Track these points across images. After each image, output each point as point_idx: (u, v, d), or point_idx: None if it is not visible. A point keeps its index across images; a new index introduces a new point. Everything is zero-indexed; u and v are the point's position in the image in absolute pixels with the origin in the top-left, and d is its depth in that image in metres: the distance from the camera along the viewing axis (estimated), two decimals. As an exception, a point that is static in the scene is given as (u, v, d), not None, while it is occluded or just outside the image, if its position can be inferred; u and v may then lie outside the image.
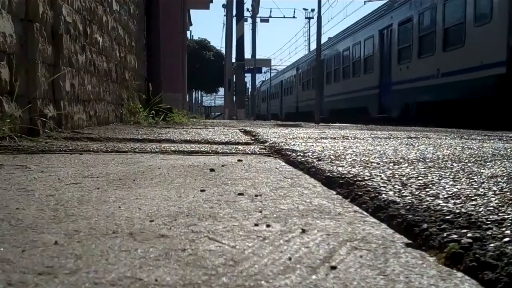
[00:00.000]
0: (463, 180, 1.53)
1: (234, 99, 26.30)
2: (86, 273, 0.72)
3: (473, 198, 1.22)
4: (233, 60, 25.62)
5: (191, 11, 22.59)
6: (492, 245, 0.84)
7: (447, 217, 1.03)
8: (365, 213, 1.18)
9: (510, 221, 0.97)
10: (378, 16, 17.23)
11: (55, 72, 3.65)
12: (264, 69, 41.57)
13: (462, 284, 0.73)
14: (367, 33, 18.15)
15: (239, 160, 2.29)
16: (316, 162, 2.03)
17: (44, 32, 3.42)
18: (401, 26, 15.05)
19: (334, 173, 1.67)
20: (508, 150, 2.79)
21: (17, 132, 2.97)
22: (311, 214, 1.15)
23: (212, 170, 1.90)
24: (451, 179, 1.54)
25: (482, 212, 1.05)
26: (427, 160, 2.14)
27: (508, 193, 1.27)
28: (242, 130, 5.59)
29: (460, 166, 1.92)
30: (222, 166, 2.06)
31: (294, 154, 2.43)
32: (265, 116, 43.64)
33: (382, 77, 16.54)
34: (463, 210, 1.08)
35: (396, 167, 1.87)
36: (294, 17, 53.37)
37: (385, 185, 1.43)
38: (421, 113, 13.44)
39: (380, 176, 1.61)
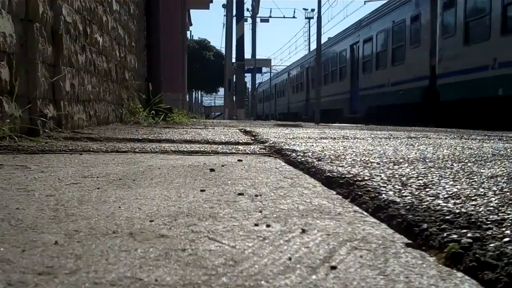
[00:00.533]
0: (463, 180, 1.53)
1: (234, 99, 26.31)
2: (86, 273, 0.72)
3: (473, 198, 1.23)
4: (233, 60, 25.63)
5: (191, 11, 22.58)
6: (492, 245, 0.84)
7: (447, 217, 1.03)
8: (365, 213, 1.18)
9: (510, 221, 0.97)
10: (349, 33, 21.26)
11: (55, 72, 3.65)
12: (264, 69, 41.59)
13: (462, 284, 0.73)
14: (341, 47, 22.39)
15: (239, 160, 2.29)
16: (316, 162, 2.03)
17: (44, 32, 3.42)
18: (365, 43, 19.01)
19: (334, 173, 1.67)
20: (508, 150, 2.79)
21: (17, 132, 2.97)
22: (311, 214, 1.15)
23: (212, 170, 1.90)
24: (451, 179, 1.54)
25: (482, 212, 1.05)
26: (427, 160, 2.14)
27: (508, 193, 1.27)
28: (242, 130, 5.59)
29: (460, 166, 1.92)
30: (222, 166, 2.06)
31: (294, 154, 2.43)
32: (262, 116, 44.51)
33: (352, 83, 20.67)
34: (463, 210, 1.08)
35: (396, 167, 1.87)
36: (294, 17, 53.37)
37: (385, 185, 1.43)
38: (379, 114, 16.92)
39: (380, 176, 1.61)
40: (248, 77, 34.25)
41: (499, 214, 1.04)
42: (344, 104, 21.47)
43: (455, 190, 1.34)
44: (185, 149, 2.80)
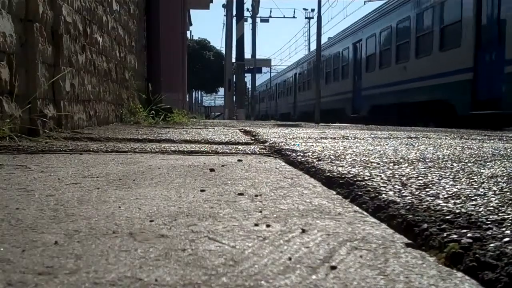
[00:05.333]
0: (463, 180, 1.53)
1: (234, 99, 26.30)
2: (86, 273, 0.72)
3: (473, 198, 1.22)
4: (233, 60, 25.62)
5: (191, 11, 22.60)
6: (492, 245, 0.84)
7: (447, 217, 1.03)
8: (365, 213, 1.18)
9: (510, 221, 0.97)
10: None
11: (55, 72, 3.65)
12: (264, 69, 41.56)
13: (462, 284, 0.73)
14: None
15: (239, 160, 2.29)
16: (316, 162, 2.03)
17: (44, 32, 3.42)
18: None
19: (334, 173, 1.67)
20: (508, 150, 2.79)
21: (17, 132, 2.97)
22: (311, 214, 1.15)
23: (212, 170, 1.90)
24: (451, 179, 1.54)
25: (482, 212, 1.05)
26: (427, 160, 2.14)
27: (508, 193, 1.27)
28: (242, 130, 5.59)
29: (460, 166, 1.92)
30: (222, 166, 2.06)
31: (294, 154, 2.43)
32: (258, 116, 45.40)
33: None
34: (463, 210, 1.08)
35: (396, 167, 1.87)
36: (294, 17, 53.22)
37: (385, 185, 1.43)
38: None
39: (380, 176, 1.61)
40: (248, 77, 34.24)
41: (499, 214, 1.04)
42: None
43: (455, 190, 1.34)
44: (185, 149, 2.80)
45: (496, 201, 1.17)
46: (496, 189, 1.35)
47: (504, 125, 10.75)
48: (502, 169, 1.82)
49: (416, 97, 14.51)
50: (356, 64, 20.20)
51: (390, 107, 16.58)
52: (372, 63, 18.39)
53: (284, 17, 52.87)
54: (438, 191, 1.32)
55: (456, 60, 12.09)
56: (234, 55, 25.27)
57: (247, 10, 34.51)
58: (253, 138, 4.08)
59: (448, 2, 12.72)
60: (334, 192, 1.47)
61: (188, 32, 30.83)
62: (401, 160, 2.15)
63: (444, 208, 1.10)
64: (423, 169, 1.80)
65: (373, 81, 18.16)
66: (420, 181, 1.49)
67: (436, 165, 1.94)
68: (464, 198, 1.22)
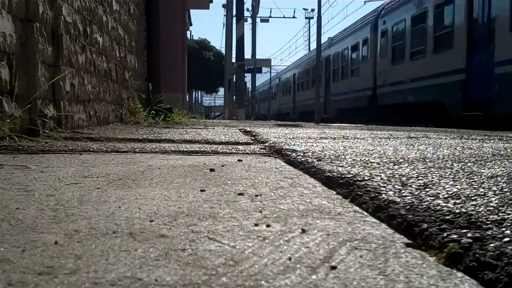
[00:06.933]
0: (463, 180, 1.53)
1: (234, 99, 26.30)
2: (86, 273, 0.72)
3: (473, 198, 1.22)
4: (233, 60, 25.62)
5: (191, 11, 22.58)
6: (492, 245, 0.84)
7: (447, 217, 1.03)
8: (365, 213, 1.18)
9: (510, 221, 0.97)
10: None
11: (55, 72, 3.65)
12: (264, 69, 41.55)
13: (462, 284, 0.73)
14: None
15: (239, 160, 2.29)
16: (316, 162, 2.03)
17: (44, 32, 3.42)
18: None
19: (334, 173, 1.67)
20: (508, 150, 2.79)
21: (17, 132, 2.97)
22: (311, 214, 1.15)
23: (212, 170, 1.90)
24: (451, 179, 1.54)
25: (482, 212, 1.05)
26: (427, 160, 2.14)
27: (508, 193, 1.27)
28: (242, 130, 5.59)
29: (460, 166, 1.92)
30: (222, 166, 2.06)
31: (294, 154, 2.43)
32: (258, 116, 45.94)
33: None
34: (463, 210, 1.08)
35: (396, 167, 1.87)
36: (294, 17, 53.21)
37: (385, 185, 1.43)
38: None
39: (380, 176, 1.61)
40: (248, 77, 34.25)
41: (499, 214, 1.04)
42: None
43: (455, 190, 1.34)
44: (185, 149, 2.79)
45: (496, 201, 1.17)
46: (496, 189, 1.35)
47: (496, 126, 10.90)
48: (502, 169, 1.82)
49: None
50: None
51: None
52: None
53: (284, 17, 52.93)
54: (438, 191, 1.32)
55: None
56: (234, 55, 25.27)
57: (247, 10, 34.53)
58: (253, 138, 4.08)
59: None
60: (334, 192, 1.47)
61: (188, 32, 30.82)
62: (401, 160, 2.15)
63: (444, 208, 1.10)
64: (423, 169, 1.80)
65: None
66: (420, 181, 1.49)
67: (436, 165, 1.94)
68: (464, 198, 1.22)
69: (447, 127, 10.07)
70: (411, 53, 14.73)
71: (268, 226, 1.02)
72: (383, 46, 17.20)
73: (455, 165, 1.96)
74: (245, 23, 26.73)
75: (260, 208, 1.19)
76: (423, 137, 4.52)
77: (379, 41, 17.57)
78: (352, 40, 20.64)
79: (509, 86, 9.87)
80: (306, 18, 53.53)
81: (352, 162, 2.04)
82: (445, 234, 0.93)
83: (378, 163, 1.99)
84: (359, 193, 1.36)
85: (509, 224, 0.96)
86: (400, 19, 15.64)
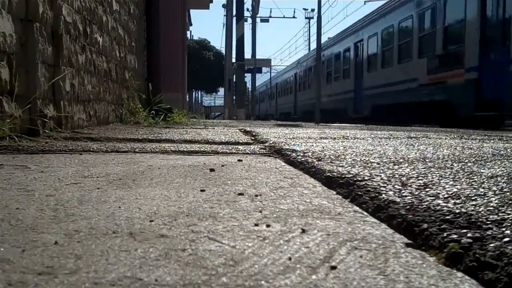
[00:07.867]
0: (463, 180, 1.53)
1: (234, 99, 26.30)
2: (86, 273, 0.72)
3: (473, 198, 1.22)
4: (233, 60, 25.62)
5: (191, 11, 22.57)
6: (492, 245, 0.84)
7: (447, 217, 1.03)
8: (365, 213, 1.18)
9: (510, 221, 0.97)
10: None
11: (55, 72, 3.65)
12: (264, 69, 41.56)
13: (462, 284, 0.73)
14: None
15: (239, 160, 2.29)
16: (316, 162, 2.03)
17: (44, 32, 3.42)
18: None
19: (334, 173, 1.67)
20: (508, 150, 2.79)
21: (17, 132, 2.97)
22: (311, 214, 1.15)
23: (212, 170, 1.90)
24: (451, 179, 1.54)
25: (482, 212, 1.05)
26: (427, 160, 2.14)
27: (508, 193, 1.27)
28: (242, 130, 5.59)
29: (460, 166, 1.92)
30: (222, 166, 2.06)
31: (294, 154, 2.43)
32: (258, 115, 46.39)
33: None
34: (463, 210, 1.08)
35: (396, 167, 1.87)
36: (294, 17, 53.22)
37: (385, 185, 1.43)
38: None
39: (380, 176, 1.61)
40: (248, 77, 34.25)
41: (499, 214, 1.04)
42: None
43: (455, 190, 1.34)
44: (185, 149, 2.79)
45: (496, 201, 1.17)
46: (496, 189, 1.35)
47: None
48: (502, 169, 1.82)
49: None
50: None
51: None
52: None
53: (284, 17, 52.95)
54: (438, 191, 1.32)
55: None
56: (234, 55, 25.27)
57: (247, 10, 34.54)
58: (253, 138, 4.08)
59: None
60: (334, 192, 1.47)
61: (188, 32, 30.82)
62: (401, 160, 2.15)
63: (444, 208, 1.10)
64: (423, 169, 1.80)
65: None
66: (420, 181, 1.49)
67: (436, 165, 1.94)
68: (464, 198, 1.22)
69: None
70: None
71: (268, 226, 1.02)
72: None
73: (455, 165, 1.96)
74: (245, 23, 26.74)
75: (260, 208, 1.19)
76: (423, 137, 4.52)
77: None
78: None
79: None
80: (306, 18, 53.55)
81: (352, 162, 2.04)
82: (445, 234, 0.93)
83: (378, 163, 1.99)
84: (359, 193, 1.36)
85: (509, 224, 0.96)
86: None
